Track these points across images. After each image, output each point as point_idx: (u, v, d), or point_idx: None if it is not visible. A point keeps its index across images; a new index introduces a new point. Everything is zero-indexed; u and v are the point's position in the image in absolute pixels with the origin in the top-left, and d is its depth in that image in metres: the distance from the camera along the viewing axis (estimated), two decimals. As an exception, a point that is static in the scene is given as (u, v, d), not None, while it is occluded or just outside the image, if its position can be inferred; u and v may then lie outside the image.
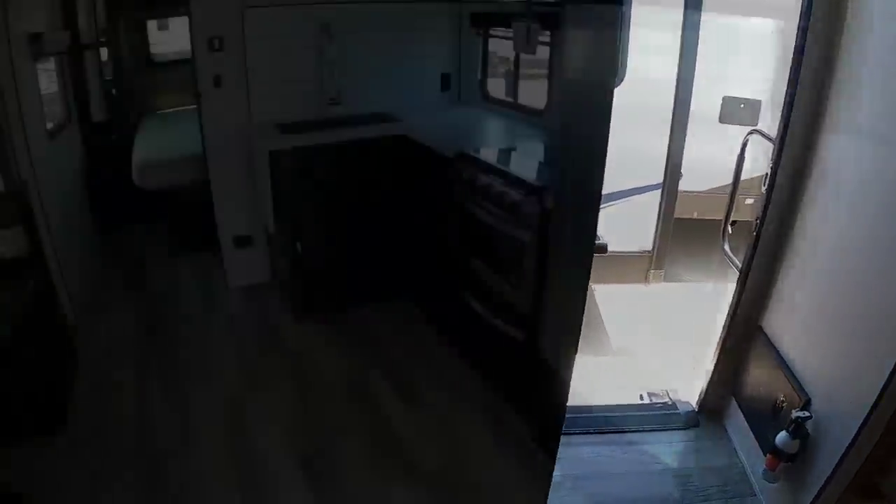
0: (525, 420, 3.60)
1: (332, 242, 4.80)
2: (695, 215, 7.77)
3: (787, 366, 4.31)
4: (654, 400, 5.63)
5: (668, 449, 5.18)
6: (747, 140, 5.20)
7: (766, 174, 4.93)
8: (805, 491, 4.21)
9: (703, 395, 5.60)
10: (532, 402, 3.44)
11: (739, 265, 5.03)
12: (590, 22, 2.41)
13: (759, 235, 4.74)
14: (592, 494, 4.65)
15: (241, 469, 3.70)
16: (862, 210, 4.26)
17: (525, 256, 3.12)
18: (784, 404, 4.23)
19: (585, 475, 4.79)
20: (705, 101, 6.95)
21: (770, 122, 5.45)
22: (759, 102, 6.64)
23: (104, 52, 8.02)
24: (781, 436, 4.00)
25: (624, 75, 3.76)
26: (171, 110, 9.08)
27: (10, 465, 3.59)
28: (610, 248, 3.22)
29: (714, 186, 7.79)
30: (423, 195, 4.50)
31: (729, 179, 5.37)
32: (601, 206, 2.89)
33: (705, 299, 6.23)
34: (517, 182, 3.15)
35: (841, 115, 4.52)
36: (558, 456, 3.38)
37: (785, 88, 4.91)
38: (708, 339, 5.48)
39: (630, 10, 3.56)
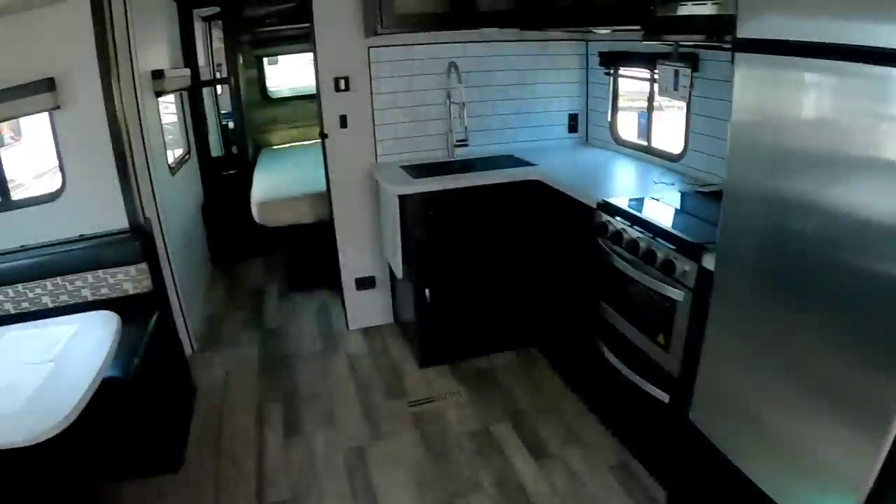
0: (663, 485, 3.38)
1: (462, 289, 4.57)
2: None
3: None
4: None
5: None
6: None
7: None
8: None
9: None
10: (672, 466, 3.23)
11: None
12: (752, 67, 2.22)
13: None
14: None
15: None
16: None
17: (677, 317, 2.93)
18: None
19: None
20: None
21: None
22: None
23: (221, 89, 8.23)
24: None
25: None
26: (289, 146, 9.24)
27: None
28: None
29: None
30: (559, 243, 4.23)
31: None
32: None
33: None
34: (668, 236, 2.96)
35: None
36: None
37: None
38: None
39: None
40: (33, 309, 4.01)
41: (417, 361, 4.77)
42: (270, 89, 9.27)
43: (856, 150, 1.88)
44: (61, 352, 3.00)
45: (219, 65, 8.03)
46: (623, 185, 4.24)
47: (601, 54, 4.84)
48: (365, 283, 5.23)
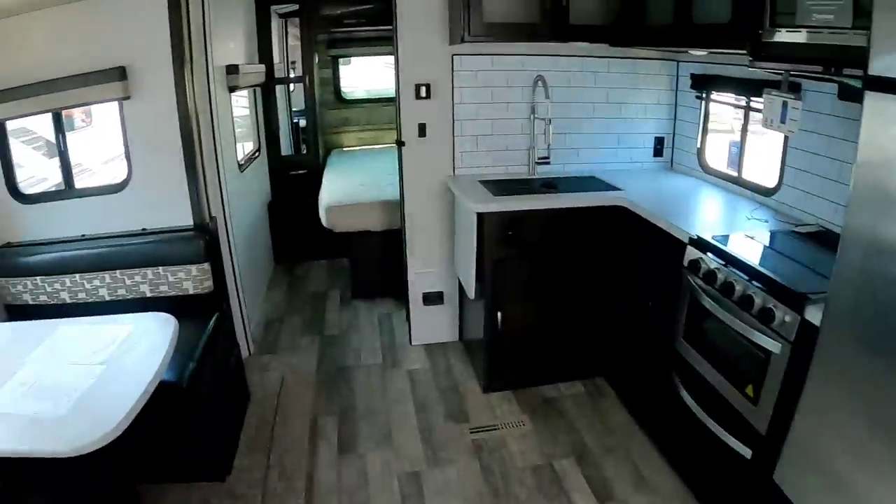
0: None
1: (534, 314, 4.32)
2: None
3: None
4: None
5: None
6: None
7: None
8: None
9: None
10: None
11: None
12: (885, 107, 1.97)
13: None
14: None
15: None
16: None
17: (770, 369, 2.67)
18: None
19: None
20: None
21: None
22: None
23: (294, 87, 8.14)
24: None
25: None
26: (359, 149, 9.12)
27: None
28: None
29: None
30: (639, 273, 3.98)
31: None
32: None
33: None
34: (768, 282, 2.71)
35: None
36: None
37: None
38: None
39: None
40: (89, 300, 3.96)
41: (481, 385, 4.55)
42: (344, 90, 9.17)
43: None
44: (114, 354, 2.86)
45: (293, 63, 7.95)
46: (714, 218, 3.99)
47: (693, 76, 4.57)
48: (432, 299, 5.04)
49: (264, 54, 6.73)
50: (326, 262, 7.12)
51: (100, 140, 6.99)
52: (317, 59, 7.76)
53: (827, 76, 2.74)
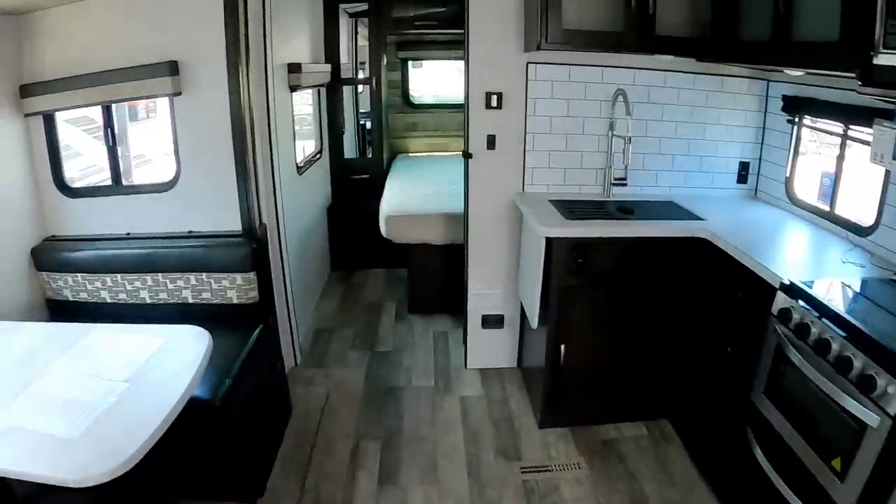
0: None
1: (600, 348, 4.01)
2: None
3: None
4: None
5: None
6: None
7: None
8: None
9: None
10: None
11: None
12: None
13: None
14: None
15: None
16: None
17: (865, 444, 2.32)
18: None
19: None
20: None
21: None
22: None
23: (362, 88, 7.94)
24: None
25: None
26: (426, 155, 8.90)
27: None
28: None
29: None
30: (718, 314, 3.57)
31: None
32: None
33: None
34: (873, 344, 2.36)
35: None
36: None
37: None
38: None
39: None
40: (130, 301, 3.85)
41: (537, 420, 4.24)
42: (413, 94, 8.97)
43: None
44: (140, 370, 2.64)
45: (362, 63, 7.75)
46: (804, 258, 3.63)
47: (785, 98, 4.18)
48: (492, 322, 4.76)
49: (331, 54, 6.55)
50: (384, 272, 6.89)
51: (162, 132, 6.93)
52: (385, 61, 7.56)
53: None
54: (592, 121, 4.36)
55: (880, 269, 3.12)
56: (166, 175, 3.92)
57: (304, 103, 6.15)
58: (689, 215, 4.04)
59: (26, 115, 3.66)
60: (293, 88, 5.00)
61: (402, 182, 6.81)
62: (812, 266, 3.44)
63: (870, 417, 2.22)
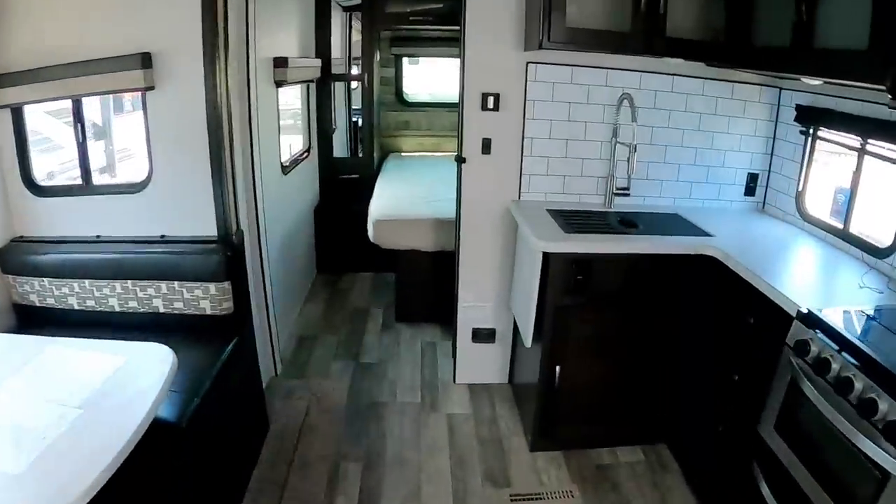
0: None
1: (597, 370, 3.76)
2: None
3: None
4: None
5: None
6: None
7: None
8: None
9: None
10: None
11: None
12: None
13: None
14: None
15: None
16: None
17: (887, 493, 2.09)
18: None
19: None
20: None
21: None
22: None
23: (356, 85, 7.70)
24: None
25: None
26: (418, 155, 8.65)
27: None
28: None
29: None
30: (725, 338, 3.31)
31: None
32: None
33: None
34: (893, 382, 2.13)
35: None
36: None
37: None
38: None
39: None
40: (98, 309, 3.59)
41: (529, 442, 4.00)
42: (406, 92, 8.72)
43: None
44: (96, 395, 2.37)
45: (356, 59, 7.51)
46: (819, 281, 3.40)
47: (799, 108, 3.95)
48: (483, 336, 4.52)
49: (322, 48, 6.30)
50: (372, 276, 6.66)
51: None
52: (378, 57, 7.33)
53: None
54: (595, 126, 4.12)
55: (899, 295, 2.90)
56: (143, 173, 3.66)
57: (292, 100, 5.91)
58: (697, 230, 3.80)
59: (-8, 108, 3.40)
60: (279, 84, 4.75)
61: (392, 183, 6.57)
62: (828, 291, 3.21)
63: (894, 466, 2.01)
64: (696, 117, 4.22)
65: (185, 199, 3.55)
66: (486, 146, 4.05)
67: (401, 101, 8.63)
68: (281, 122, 5.08)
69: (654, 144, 4.21)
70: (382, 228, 5.32)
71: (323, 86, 6.40)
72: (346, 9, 7.05)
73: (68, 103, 3.59)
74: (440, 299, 5.10)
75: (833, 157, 3.91)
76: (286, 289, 5.01)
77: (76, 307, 3.59)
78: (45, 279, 3.54)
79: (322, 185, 6.64)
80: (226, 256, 3.45)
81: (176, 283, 3.47)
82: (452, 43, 4.57)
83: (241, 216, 3.74)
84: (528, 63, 3.95)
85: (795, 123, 4.00)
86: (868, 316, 2.65)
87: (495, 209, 4.22)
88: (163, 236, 3.56)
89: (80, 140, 3.65)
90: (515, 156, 4.12)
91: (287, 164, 5.20)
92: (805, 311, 2.63)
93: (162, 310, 3.53)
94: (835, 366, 2.37)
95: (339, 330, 5.45)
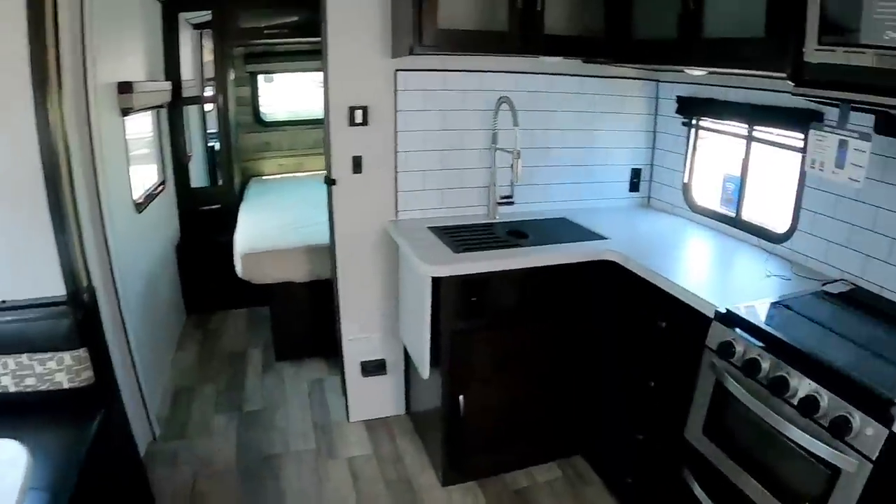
0: None
1: (504, 393, 3.56)
2: None
3: None
4: None
5: None
6: None
7: None
8: None
9: None
10: None
11: None
12: None
13: None
14: None
15: None
16: None
17: (838, 490, 1.95)
18: None
19: None
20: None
21: None
22: None
23: (212, 107, 7.22)
24: None
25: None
26: (281, 177, 8.24)
27: None
28: None
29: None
30: (635, 344, 3.22)
31: None
32: None
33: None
34: (836, 378, 1.99)
35: None
36: None
37: None
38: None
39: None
40: None
41: (439, 477, 3.72)
42: (264, 111, 8.29)
43: None
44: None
45: (210, 79, 7.05)
46: (726, 276, 3.29)
47: (680, 100, 3.92)
48: (372, 369, 4.19)
49: (171, 70, 5.84)
50: (246, 312, 6.23)
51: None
52: (232, 76, 6.88)
53: (867, 104, 2.13)
54: (472, 134, 3.90)
55: (806, 280, 2.96)
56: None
57: (142, 129, 5.42)
58: (589, 234, 3.67)
59: None
60: (125, 112, 4.26)
61: (256, 211, 6.16)
62: (736, 284, 3.11)
63: (845, 462, 1.95)
64: (577, 116, 4.11)
65: (24, 256, 3.04)
66: (357, 164, 3.74)
67: (259, 121, 8.20)
68: (131, 155, 4.59)
69: (536, 147, 4.04)
70: (251, 262, 4.92)
71: (175, 110, 5.92)
72: (196, 27, 6.58)
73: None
74: (321, 331, 4.81)
75: (719, 146, 3.86)
76: (154, 340, 4.54)
77: None
78: None
79: (182, 218, 6.16)
80: (76, 319, 2.99)
81: (24, 355, 2.95)
82: (313, 56, 4.25)
83: (93, 267, 3.25)
84: (396, 71, 3.68)
85: (677, 116, 3.97)
86: (785, 306, 2.61)
87: (373, 232, 3.93)
88: (3, 302, 3.06)
89: None
90: (389, 172, 3.84)
91: (141, 200, 4.72)
92: (723, 310, 2.56)
93: (12, 389, 2.99)
94: (764, 365, 2.31)
95: (217, 377, 4.98)
